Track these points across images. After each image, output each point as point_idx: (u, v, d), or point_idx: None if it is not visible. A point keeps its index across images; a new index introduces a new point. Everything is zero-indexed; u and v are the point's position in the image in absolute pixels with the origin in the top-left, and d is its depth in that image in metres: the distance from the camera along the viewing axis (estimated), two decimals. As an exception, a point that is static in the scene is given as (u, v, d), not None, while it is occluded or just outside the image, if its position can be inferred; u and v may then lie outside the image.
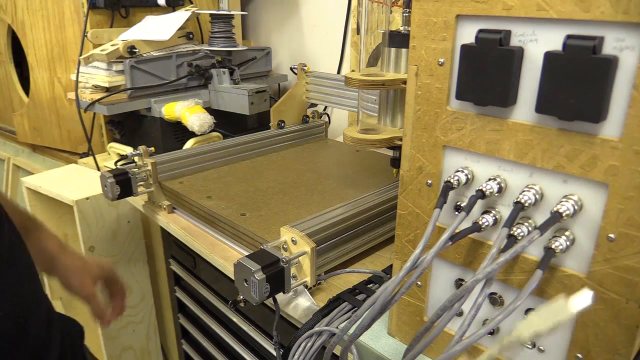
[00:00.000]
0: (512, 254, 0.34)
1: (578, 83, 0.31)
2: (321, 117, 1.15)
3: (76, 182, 1.03)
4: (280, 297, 0.58)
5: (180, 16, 1.13)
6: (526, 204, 0.36)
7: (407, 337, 0.50)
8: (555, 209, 0.35)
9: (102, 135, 1.20)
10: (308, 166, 0.92)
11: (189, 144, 1.05)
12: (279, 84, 1.38)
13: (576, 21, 0.32)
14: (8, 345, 0.41)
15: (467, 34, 0.37)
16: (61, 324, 0.55)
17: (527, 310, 0.40)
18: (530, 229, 0.37)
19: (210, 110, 1.09)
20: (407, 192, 0.45)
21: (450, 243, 0.38)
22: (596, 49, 0.30)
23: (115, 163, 0.97)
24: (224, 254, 0.70)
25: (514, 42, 0.35)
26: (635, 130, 0.31)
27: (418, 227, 0.45)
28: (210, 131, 1.05)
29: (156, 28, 1.11)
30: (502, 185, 0.38)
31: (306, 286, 0.59)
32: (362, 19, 0.72)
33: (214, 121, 1.04)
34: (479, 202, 0.40)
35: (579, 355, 0.37)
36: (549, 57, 0.32)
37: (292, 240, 0.58)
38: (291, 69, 1.08)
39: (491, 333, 0.43)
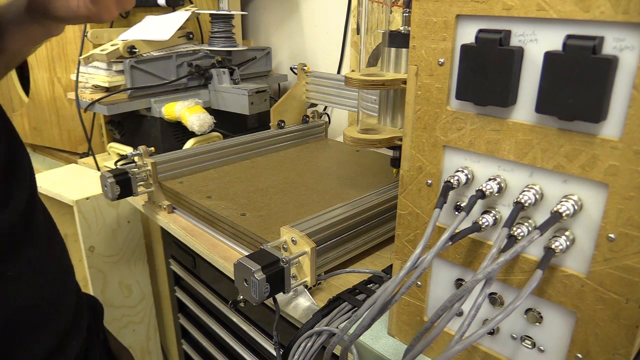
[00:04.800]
0: (512, 254, 0.34)
1: (578, 83, 0.31)
2: (321, 117, 1.15)
3: (76, 182, 1.03)
4: (280, 297, 0.58)
5: (180, 16, 1.13)
6: (526, 204, 0.36)
7: (407, 337, 0.50)
8: (555, 209, 0.35)
9: (102, 135, 1.20)
10: (308, 166, 0.92)
11: (189, 144, 1.06)
12: (279, 84, 1.38)
13: (576, 21, 0.32)
14: (51, 309, 0.45)
15: (467, 34, 0.37)
16: (85, 299, 0.57)
17: (527, 311, 0.40)
18: (530, 229, 0.37)
19: (210, 110, 1.09)
20: (407, 192, 0.45)
21: (450, 243, 0.38)
22: (596, 49, 0.30)
23: (115, 163, 0.97)
24: (224, 254, 0.70)
25: (514, 42, 0.35)
26: (635, 130, 0.31)
27: (418, 227, 0.45)
28: (210, 131, 1.05)
29: (156, 28, 1.11)
30: (502, 185, 0.38)
31: (306, 286, 0.59)
32: (362, 19, 0.72)
33: (214, 121, 1.04)
34: (479, 202, 0.40)
35: (579, 355, 0.37)
36: (549, 57, 0.32)
37: (292, 240, 0.58)
38: (291, 69, 1.08)
39: (491, 333, 0.43)
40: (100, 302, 0.62)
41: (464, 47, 0.36)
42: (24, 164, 0.45)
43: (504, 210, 0.39)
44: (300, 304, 0.59)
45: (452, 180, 0.40)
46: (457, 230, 0.38)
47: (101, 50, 1.02)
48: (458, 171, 0.40)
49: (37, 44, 0.57)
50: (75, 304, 0.51)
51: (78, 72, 1.06)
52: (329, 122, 1.19)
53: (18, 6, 0.53)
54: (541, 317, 0.39)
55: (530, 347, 0.41)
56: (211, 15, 1.19)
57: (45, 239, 0.46)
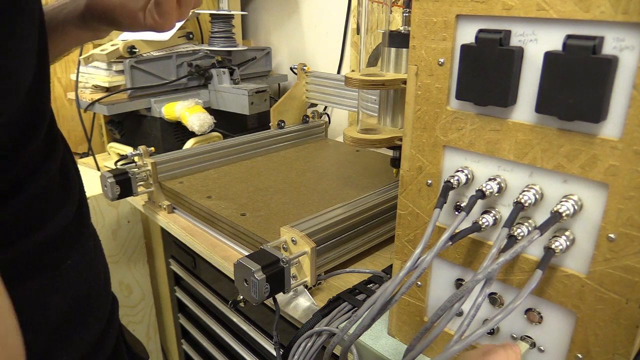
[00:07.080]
0: (512, 254, 0.34)
1: (578, 83, 0.31)
2: (321, 117, 1.15)
3: (76, 182, 1.03)
4: (280, 297, 0.58)
5: (180, 16, 1.13)
6: (526, 204, 0.36)
7: (407, 337, 0.50)
8: (555, 209, 0.35)
9: (102, 135, 1.20)
10: (308, 166, 0.92)
11: (189, 144, 1.06)
12: (279, 84, 1.38)
13: (576, 21, 0.32)
14: (97, 299, 0.47)
15: (467, 34, 0.37)
16: None
17: (527, 311, 0.40)
18: (530, 229, 0.37)
19: (210, 110, 1.09)
20: (407, 192, 0.45)
21: (450, 243, 0.38)
22: (596, 49, 0.30)
23: (115, 163, 0.97)
24: (224, 254, 0.70)
25: (514, 42, 0.35)
26: (635, 130, 0.31)
27: (418, 227, 0.45)
28: (210, 131, 1.05)
29: (156, 28, 1.10)
30: (502, 185, 0.38)
31: (306, 286, 0.59)
32: (362, 19, 0.72)
33: (214, 121, 1.04)
34: (479, 202, 0.40)
35: (579, 355, 0.37)
36: (549, 57, 0.32)
37: (292, 240, 0.58)
38: (291, 69, 1.08)
39: (491, 333, 0.43)
40: (115, 295, 0.63)
41: (464, 47, 0.36)
42: (73, 159, 0.46)
43: (504, 210, 0.39)
44: (300, 304, 0.59)
45: (452, 180, 0.40)
46: (457, 230, 0.38)
47: (101, 50, 1.02)
48: (458, 171, 0.40)
49: (82, 45, 0.57)
50: (112, 293, 0.53)
51: (78, 72, 1.06)
52: (329, 122, 1.19)
53: (70, 10, 0.53)
54: (541, 317, 0.39)
55: (530, 347, 0.41)
56: (211, 15, 1.19)
57: (92, 231, 0.48)
